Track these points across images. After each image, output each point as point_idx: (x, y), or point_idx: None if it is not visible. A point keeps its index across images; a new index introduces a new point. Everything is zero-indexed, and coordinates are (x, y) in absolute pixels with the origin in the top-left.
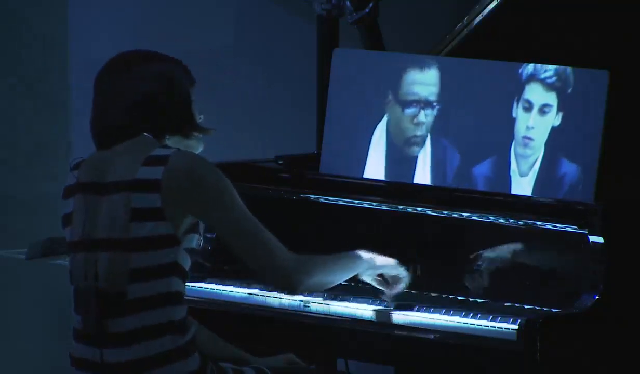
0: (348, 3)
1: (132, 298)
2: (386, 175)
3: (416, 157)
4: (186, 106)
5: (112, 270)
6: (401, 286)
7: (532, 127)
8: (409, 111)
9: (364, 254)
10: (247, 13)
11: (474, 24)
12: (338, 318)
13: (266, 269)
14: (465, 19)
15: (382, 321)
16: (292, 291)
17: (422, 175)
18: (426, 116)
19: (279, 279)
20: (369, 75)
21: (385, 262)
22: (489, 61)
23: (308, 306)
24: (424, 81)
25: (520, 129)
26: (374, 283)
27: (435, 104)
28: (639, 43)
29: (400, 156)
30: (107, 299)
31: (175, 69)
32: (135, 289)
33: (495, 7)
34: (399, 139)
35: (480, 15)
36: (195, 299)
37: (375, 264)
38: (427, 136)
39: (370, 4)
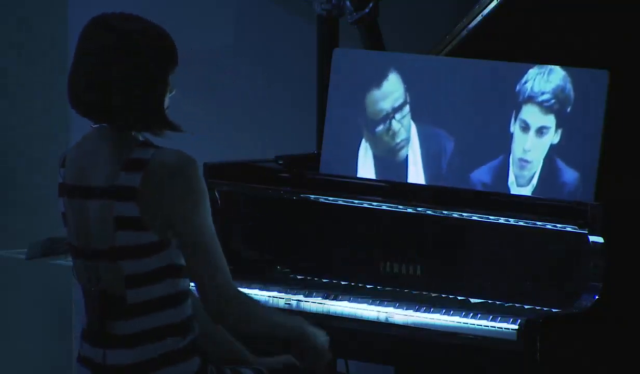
0: (348, 3)
1: (131, 302)
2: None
3: (406, 157)
4: (156, 95)
5: (109, 277)
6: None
7: (529, 150)
8: (379, 128)
9: (302, 328)
10: (247, 13)
11: (474, 24)
12: (338, 317)
13: (205, 286)
14: (465, 19)
15: (382, 321)
16: (218, 317)
17: (415, 172)
18: (399, 121)
19: (213, 302)
20: (369, 76)
21: (307, 338)
22: (490, 61)
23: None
24: (384, 94)
25: (517, 150)
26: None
27: (403, 105)
28: (639, 43)
29: (389, 164)
30: (110, 301)
31: (151, 41)
32: (133, 295)
33: (495, 7)
34: (383, 153)
35: (480, 15)
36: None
37: (303, 341)
38: (409, 135)
39: (370, 4)
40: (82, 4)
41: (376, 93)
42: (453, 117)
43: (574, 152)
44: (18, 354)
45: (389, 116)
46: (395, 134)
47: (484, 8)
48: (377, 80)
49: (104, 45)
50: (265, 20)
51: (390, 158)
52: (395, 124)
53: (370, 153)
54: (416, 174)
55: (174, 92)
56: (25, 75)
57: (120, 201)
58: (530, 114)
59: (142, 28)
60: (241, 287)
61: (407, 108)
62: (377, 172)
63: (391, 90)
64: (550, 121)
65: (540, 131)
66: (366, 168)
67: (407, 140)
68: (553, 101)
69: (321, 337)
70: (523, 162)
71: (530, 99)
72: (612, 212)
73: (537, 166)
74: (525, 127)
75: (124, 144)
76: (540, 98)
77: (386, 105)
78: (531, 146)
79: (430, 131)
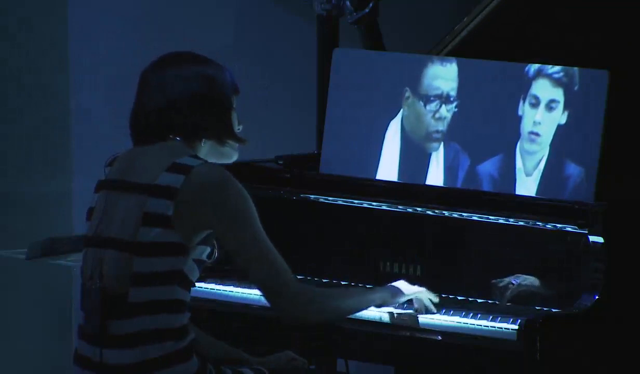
0: (348, 3)
1: (133, 301)
2: (399, 173)
3: (430, 156)
4: (226, 112)
5: (115, 271)
6: (431, 303)
7: (539, 123)
8: (431, 105)
9: (379, 292)
10: (247, 13)
11: (474, 24)
12: None
13: (275, 297)
14: (465, 19)
15: (382, 321)
16: (297, 321)
17: (436, 175)
18: (447, 111)
19: (287, 310)
20: (369, 75)
21: (401, 296)
22: (494, 61)
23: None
24: (444, 75)
25: (526, 125)
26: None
27: (454, 99)
28: (639, 43)
29: (415, 153)
30: (110, 299)
31: (221, 75)
32: (136, 293)
33: (495, 6)
34: (417, 134)
35: (480, 15)
36: (196, 299)
37: (389, 301)
38: (446, 132)
39: (370, 4)
40: (82, 4)
41: (438, 69)
42: (461, 117)
43: (577, 150)
44: (18, 354)
45: (441, 98)
46: (440, 121)
47: (484, 8)
48: (440, 61)
49: (180, 77)
50: (265, 20)
51: (420, 145)
52: (443, 110)
53: (398, 136)
54: (436, 178)
55: (241, 128)
56: (26, 75)
57: (156, 197)
58: (540, 87)
59: (210, 64)
60: (241, 287)
61: (454, 104)
62: (401, 158)
63: (451, 77)
64: (559, 94)
65: (550, 106)
66: (392, 152)
67: (443, 135)
68: (562, 73)
69: (403, 291)
70: (533, 135)
71: (540, 72)
72: (612, 212)
73: (545, 146)
74: (535, 103)
75: (176, 153)
76: (550, 70)
77: (444, 86)
78: (541, 119)
79: (451, 144)
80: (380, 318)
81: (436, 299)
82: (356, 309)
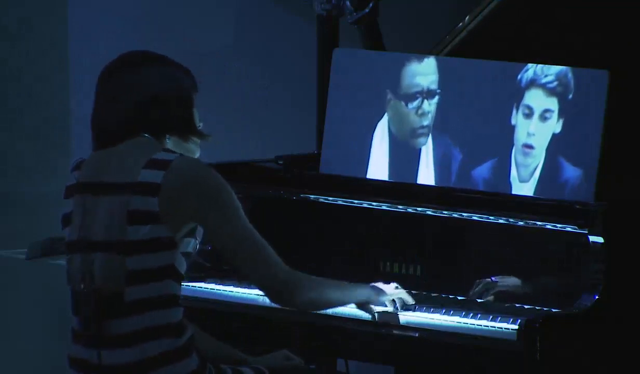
0: (348, 3)
1: (129, 300)
2: (390, 173)
3: (420, 151)
4: (187, 109)
5: (108, 272)
6: (407, 301)
7: (533, 134)
8: (412, 103)
9: (365, 288)
10: (247, 13)
11: (474, 24)
12: (338, 317)
13: (263, 280)
14: (466, 18)
15: (382, 321)
16: (286, 303)
17: (426, 173)
18: (430, 105)
19: (275, 291)
20: (369, 75)
21: (384, 295)
22: (490, 61)
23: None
24: (422, 71)
25: (520, 136)
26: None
27: (437, 92)
28: (639, 43)
29: (404, 151)
30: (105, 301)
31: (178, 72)
32: (132, 292)
33: (495, 6)
34: (403, 133)
35: (480, 15)
36: (196, 299)
37: (374, 299)
38: (431, 125)
39: (370, 4)
40: (82, 4)
41: (415, 67)
42: (454, 116)
43: (575, 151)
44: (18, 354)
45: (422, 94)
46: (424, 116)
47: (484, 8)
48: (417, 58)
49: (143, 76)
50: (265, 20)
51: (407, 143)
52: (426, 105)
53: (386, 138)
54: (427, 175)
55: (201, 125)
56: (26, 75)
57: (140, 195)
58: (534, 97)
59: (169, 62)
60: (241, 287)
61: (437, 98)
62: (390, 157)
63: (429, 71)
64: (553, 103)
65: (544, 116)
66: (381, 153)
67: (429, 129)
68: (556, 82)
69: (385, 290)
70: (527, 148)
71: (533, 82)
72: (612, 212)
73: (540, 156)
74: (529, 114)
75: (149, 149)
76: (544, 80)
77: (423, 82)
78: (535, 130)
79: (441, 138)
80: (379, 318)
81: (412, 301)
82: (342, 300)
